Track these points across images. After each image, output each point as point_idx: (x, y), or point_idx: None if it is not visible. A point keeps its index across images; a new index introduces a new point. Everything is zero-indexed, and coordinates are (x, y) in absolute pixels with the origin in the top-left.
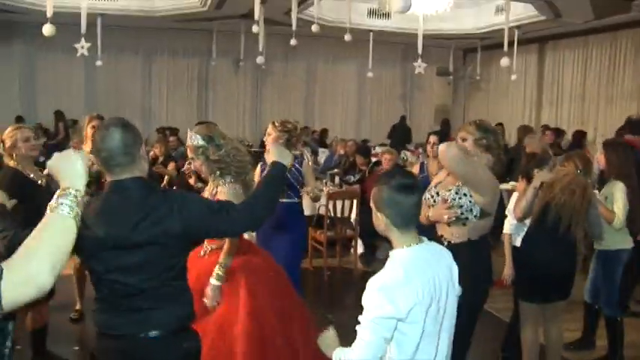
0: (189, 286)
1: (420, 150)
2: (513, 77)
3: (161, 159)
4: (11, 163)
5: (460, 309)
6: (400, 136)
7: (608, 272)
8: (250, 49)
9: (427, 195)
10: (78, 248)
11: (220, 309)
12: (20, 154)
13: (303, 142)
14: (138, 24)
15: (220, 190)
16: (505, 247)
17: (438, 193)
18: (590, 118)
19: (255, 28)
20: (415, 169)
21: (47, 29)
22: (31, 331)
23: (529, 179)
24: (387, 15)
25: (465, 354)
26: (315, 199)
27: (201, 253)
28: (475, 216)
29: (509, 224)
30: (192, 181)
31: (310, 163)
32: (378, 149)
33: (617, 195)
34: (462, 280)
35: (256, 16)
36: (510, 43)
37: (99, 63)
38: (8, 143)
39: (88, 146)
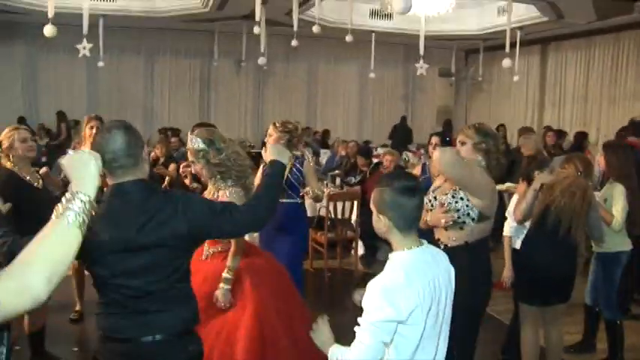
0: (192, 289)
1: (422, 151)
2: (515, 78)
3: (162, 160)
4: (8, 165)
5: (459, 312)
6: (401, 136)
7: (608, 274)
8: (252, 50)
9: (425, 200)
10: (82, 253)
11: (227, 312)
12: (17, 154)
13: (304, 142)
14: (140, 25)
15: (222, 194)
16: (505, 250)
17: (435, 198)
18: (592, 119)
19: (256, 29)
20: (417, 171)
21: (48, 30)
22: (29, 334)
23: (529, 181)
24: (389, 16)
25: (472, 359)
26: (316, 199)
27: (203, 257)
28: (473, 220)
29: (508, 226)
30: (187, 181)
31: (312, 163)
32: (380, 150)
33: (617, 197)
34: (460, 284)
35: (257, 16)
36: (513, 44)
37: (101, 64)
38: (5, 144)
39: (86, 147)
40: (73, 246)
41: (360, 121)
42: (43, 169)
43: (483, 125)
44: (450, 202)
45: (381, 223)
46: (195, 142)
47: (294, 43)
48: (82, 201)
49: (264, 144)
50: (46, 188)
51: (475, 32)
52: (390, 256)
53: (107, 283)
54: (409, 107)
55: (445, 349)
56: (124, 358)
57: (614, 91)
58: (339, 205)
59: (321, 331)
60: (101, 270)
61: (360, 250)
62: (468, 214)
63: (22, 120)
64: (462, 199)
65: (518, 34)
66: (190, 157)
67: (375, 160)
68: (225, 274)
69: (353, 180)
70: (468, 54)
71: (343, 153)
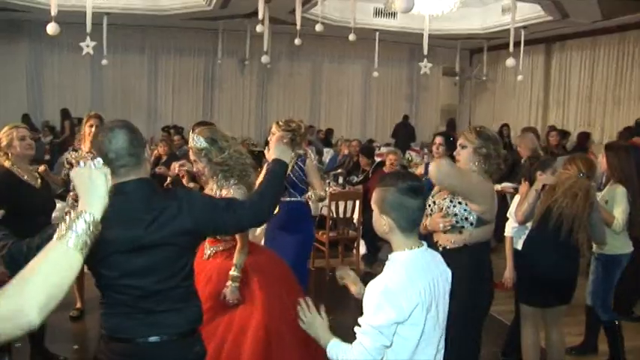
0: (196, 289)
1: (425, 150)
2: (520, 78)
3: (165, 158)
4: (6, 163)
5: (460, 314)
6: (404, 135)
7: (607, 276)
8: (256, 49)
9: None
10: (87, 255)
11: (235, 311)
12: (16, 152)
13: (307, 141)
14: (143, 23)
15: (225, 193)
16: (507, 250)
17: (435, 203)
18: (597, 120)
19: (259, 28)
20: (420, 171)
21: (51, 28)
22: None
23: (531, 182)
24: (393, 14)
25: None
26: (320, 200)
27: (205, 256)
28: (471, 224)
29: (510, 227)
30: (184, 181)
31: (315, 162)
32: (383, 149)
33: (618, 199)
34: (459, 285)
35: (260, 15)
36: (517, 44)
37: (104, 62)
38: (4, 142)
39: (86, 145)
40: (73, 270)
41: (364, 120)
42: (41, 167)
43: (485, 129)
44: (448, 207)
45: (382, 222)
46: (197, 141)
47: (297, 41)
48: (86, 222)
49: (267, 143)
50: (44, 187)
51: (479, 31)
52: (390, 256)
53: (113, 284)
54: (413, 106)
55: (443, 353)
56: (129, 359)
57: (618, 92)
58: (341, 204)
59: (315, 320)
60: (107, 271)
61: (362, 250)
62: (467, 219)
63: (26, 117)
64: (459, 203)
65: (523, 33)
66: (192, 156)
67: (377, 159)
68: (232, 272)
69: (355, 179)
70: (473, 53)
71: (346, 152)
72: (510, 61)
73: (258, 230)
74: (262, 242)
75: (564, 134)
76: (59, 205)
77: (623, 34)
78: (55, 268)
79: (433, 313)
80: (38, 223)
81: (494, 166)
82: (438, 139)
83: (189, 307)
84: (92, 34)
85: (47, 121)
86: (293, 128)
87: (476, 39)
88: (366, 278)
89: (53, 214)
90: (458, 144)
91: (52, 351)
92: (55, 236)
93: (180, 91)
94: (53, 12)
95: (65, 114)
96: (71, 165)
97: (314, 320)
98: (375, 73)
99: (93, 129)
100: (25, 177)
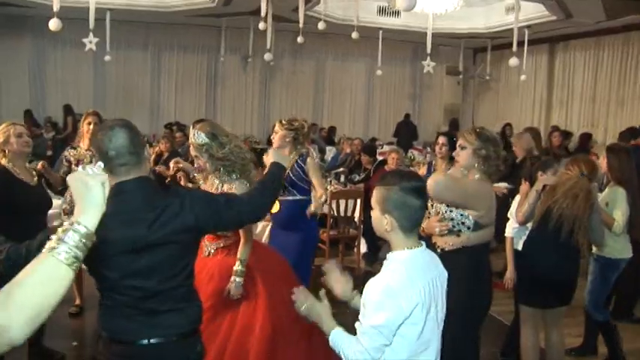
0: (196, 287)
1: (428, 149)
2: (523, 77)
3: (166, 155)
4: (2, 161)
5: (459, 315)
6: (406, 134)
7: (604, 278)
8: (259, 46)
9: None
10: (89, 257)
11: (238, 309)
12: (13, 150)
13: (310, 139)
14: (147, 19)
15: (227, 188)
16: (507, 251)
17: (432, 205)
18: (600, 120)
19: (262, 25)
20: (422, 171)
21: (54, 24)
22: None
23: (532, 182)
24: (396, 13)
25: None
26: (320, 203)
27: (205, 253)
28: (469, 228)
29: (510, 227)
30: (182, 182)
31: (316, 160)
32: (386, 148)
33: (618, 200)
34: (457, 286)
35: (263, 12)
36: (520, 43)
37: (107, 58)
38: (1, 139)
39: (84, 143)
40: (62, 286)
41: (367, 118)
42: (40, 165)
43: (484, 130)
44: (444, 211)
45: (384, 222)
46: (198, 137)
47: (299, 39)
48: (79, 234)
49: (269, 141)
50: (40, 185)
51: (483, 30)
52: (389, 255)
53: (115, 286)
54: (416, 105)
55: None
56: None
57: (622, 92)
58: (342, 202)
59: (312, 304)
60: (110, 272)
61: (363, 248)
62: (463, 223)
63: (28, 113)
64: (456, 207)
65: (526, 32)
66: (193, 152)
67: (380, 158)
68: (236, 267)
69: (357, 178)
70: (476, 52)
71: (348, 150)
72: (513, 61)
73: (259, 227)
74: (263, 240)
75: (567, 135)
76: (57, 202)
77: (627, 34)
78: (42, 283)
79: (432, 314)
80: (34, 221)
81: (494, 167)
82: (442, 139)
83: (191, 307)
84: (95, 30)
85: (50, 117)
86: (296, 127)
87: (479, 38)
88: (366, 277)
89: (50, 212)
90: (457, 145)
91: (51, 347)
92: (46, 247)
93: (183, 88)
94: (56, 8)
95: (68, 110)
96: (70, 163)
97: (313, 305)
98: (379, 72)
99: (91, 126)
100: (21, 175)
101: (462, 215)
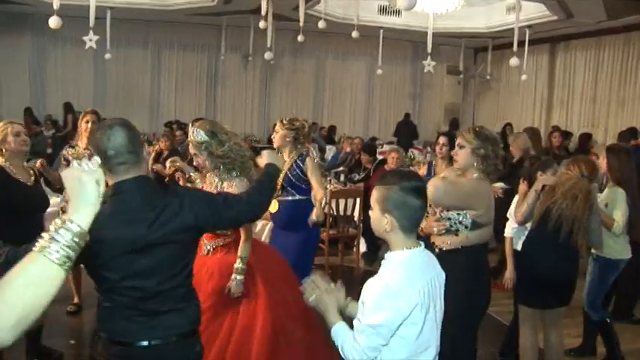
0: (194, 287)
1: (428, 149)
2: (524, 77)
3: (166, 153)
4: None
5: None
6: (406, 133)
7: (602, 278)
8: (259, 45)
9: None
10: (86, 260)
11: (238, 309)
12: (10, 148)
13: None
14: (147, 17)
15: (227, 186)
16: (507, 251)
17: (430, 205)
18: (600, 120)
19: (262, 24)
20: (423, 171)
21: (54, 21)
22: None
23: (531, 182)
24: (397, 12)
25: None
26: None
27: (204, 252)
28: (466, 227)
29: (510, 227)
30: (181, 182)
31: (316, 159)
32: (386, 147)
33: (618, 201)
34: (456, 286)
35: (263, 11)
36: (521, 43)
37: (108, 56)
38: None
39: (83, 141)
40: (54, 287)
41: (367, 117)
42: (38, 163)
43: (483, 129)
44: (442, 211)
45: (384, 221)
46: (197, 134)
47: (300, 38)
48: (71, 232)
49: (270, 140)
50: (37, 185)
51: (484, 30)
52: (387, 255)
53: (115, 287)
54: (416, 105)
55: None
56: None
57: (623, 92)
58: (342, 201)
59: (322, 294)
60: (109, 273)
61: (362, 248)
62: (461, 222)
63: (28, 111)
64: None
65: (527, 32)
66: (192, 150)
67: (380, 157)
68: (237, 265)
69: (357, 177)
70: (477, 52)
71: (348, 149)
72: (514, 61)
73: (259, 226)
74: (263, 238)
75: (567, 135)
76: (56, 200)
77: (628, 34)
78: (32, 284)
79: (431, 314)
80: (30, 221)
81: (492, 166)
82: (442, 139)
83: (190, 307)
84: (95, 28)
85: (50, 115)
86: (297, 127)
87: (480, 38)
88: (365, 276)
89: (48, 210)
90: (456, 144)
91: (49, 346)
92: (38, 246)
93: (183, 87)
94: (56, 5)
95: (68, 108)
96: (68, 162)
97: (322, 295)
98: (379, 71)
99: (89, 125)
100: (17, 174)
101: (459, 215)
